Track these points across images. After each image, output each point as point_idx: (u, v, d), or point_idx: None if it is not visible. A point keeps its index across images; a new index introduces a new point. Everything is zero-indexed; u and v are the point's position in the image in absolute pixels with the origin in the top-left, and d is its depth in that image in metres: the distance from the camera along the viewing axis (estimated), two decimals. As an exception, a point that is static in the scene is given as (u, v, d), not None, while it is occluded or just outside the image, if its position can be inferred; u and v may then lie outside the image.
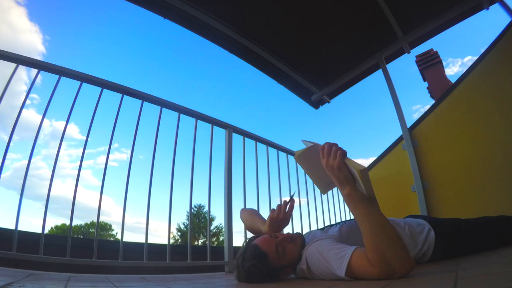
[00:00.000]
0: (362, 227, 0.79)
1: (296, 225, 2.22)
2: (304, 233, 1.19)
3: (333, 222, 2.68)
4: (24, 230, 1.65)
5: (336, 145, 0.86)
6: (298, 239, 1.02)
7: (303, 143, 1.01)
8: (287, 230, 1.25)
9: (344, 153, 0.83)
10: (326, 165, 0.85)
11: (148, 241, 1.46)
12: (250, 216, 1.30)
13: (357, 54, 2.79)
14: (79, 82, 1.43)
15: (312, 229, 2.32)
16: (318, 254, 0.88)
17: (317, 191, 2.58)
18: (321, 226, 2.47)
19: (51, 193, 1.26)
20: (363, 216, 0.80)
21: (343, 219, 2.79)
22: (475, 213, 1.34)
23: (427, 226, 1.06)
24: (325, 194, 2.61)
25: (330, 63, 2.84)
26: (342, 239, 0.98)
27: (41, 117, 1.32)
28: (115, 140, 1.52)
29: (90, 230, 28.12)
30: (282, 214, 1.10)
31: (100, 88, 1.47)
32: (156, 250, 2.12)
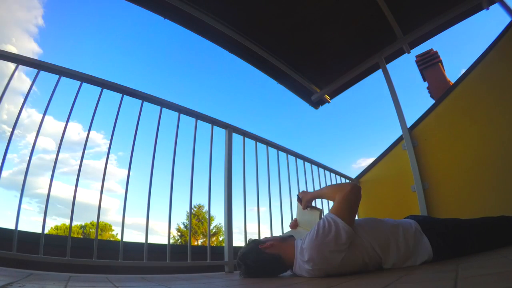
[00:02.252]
0: (331, 197, 1.12)
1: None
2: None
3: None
4: (24, 230, 1.65)
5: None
6: (289, 239, 1.19)
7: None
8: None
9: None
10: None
11: (148, 241, 1.46)
12: None
13: (357, 54, 2.79)
14: (79, 82, 1.43)
15: None
16: (314, 235, 0.97)
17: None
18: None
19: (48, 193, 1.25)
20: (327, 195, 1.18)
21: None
22: (475, 213, 1.34)
23: (413, 223, 1.11)
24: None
25: (330, 63, 2.85)
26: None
27: (41, 117, 1.32)
28: (115, 140, 1.52)
29: (91, 230, 28.12)
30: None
31: (100, 88, 1.47)
32: (156, 250, 2.11)
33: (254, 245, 1.12)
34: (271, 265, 1.09)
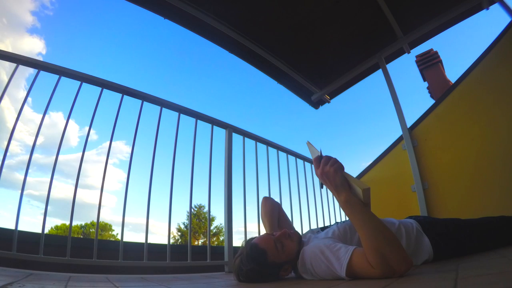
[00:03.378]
0: (361, 232, 0.80)
1: (296, 225, 2.22)
2: (302, 233, 1.20)
3: (332, 222, 2.68)
4: (24, 230, 1.65)
5: (335, 158, 0.88)
6: (295, 236, 1.04)
7: (308, 145, 1.04)
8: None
9: (341, 165, 0.87)
10: (322, 173, 0.87)
11: (148, 241, 1.46)
12: (264, 216, 1.35)
13: (357, 54, 2.79)
14: (79, 82, 1.43)
15: (305, 231, 2.32)
16: (320, 253, 0.88)
17: (317, 191, 2.58)
18: (320, 225, 2.47)
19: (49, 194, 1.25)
20: (360, 221, 0.81)
21: (343, 219, 2.79)
22: (475, 213, 1.34)
23: (414, 223, 1.09)
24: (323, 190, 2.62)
25: (330, 63, 2.84)
26: (340, 238, 0.99)
27: (41, 117, 1.32)
28: (115, 140, 1.52)
29: (91, 230, 28.11)
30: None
31: (100, 88, 1.48)
32: (156, 250, 2.11)
33: (262, 256, 0.96)
34: (279, 271, 1.01)
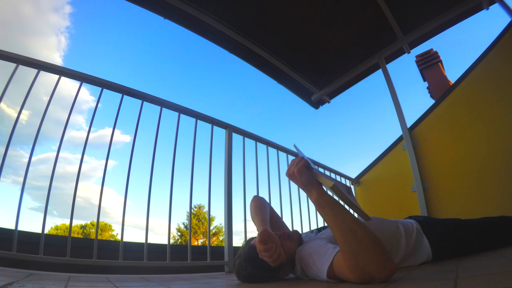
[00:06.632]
0: (334, 233, 0.76)
1: (296, 226, 2.22)
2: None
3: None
4: (24, 230, 1.65)
5: (298, 158, 0.88)
6: (295, 236, 1.03)
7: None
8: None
9: (304, 164, 0.85)
10: (288, 174, 0.88)
11: (148, 241, 1.46)
12: (255, 212, 1.17)
13: (357, 54, 2.79)
14: (79, 82, 1.43)
15: (305, 231, 2.31)
16: (308, 256, 0.87)
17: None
18: (321, 226, 2.47)
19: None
20: (331, 222, 0.76)
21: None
22: (475, 213, 1.34)
23: (414, 223, 1.08)
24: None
25: (330, 63, 2.85)
26: (333, 240, 0.98)
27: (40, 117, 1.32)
28: (115, 140, 1.52)
29: (91, 230, 28.09)
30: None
31: (100, 88, 1.48)
32: (156, 250, 2.11)
33: (261, 260, 0.92)
34: (278, 273, 0.99)
